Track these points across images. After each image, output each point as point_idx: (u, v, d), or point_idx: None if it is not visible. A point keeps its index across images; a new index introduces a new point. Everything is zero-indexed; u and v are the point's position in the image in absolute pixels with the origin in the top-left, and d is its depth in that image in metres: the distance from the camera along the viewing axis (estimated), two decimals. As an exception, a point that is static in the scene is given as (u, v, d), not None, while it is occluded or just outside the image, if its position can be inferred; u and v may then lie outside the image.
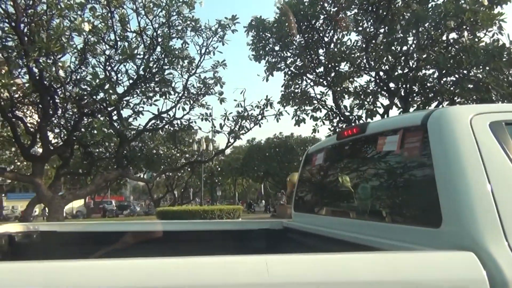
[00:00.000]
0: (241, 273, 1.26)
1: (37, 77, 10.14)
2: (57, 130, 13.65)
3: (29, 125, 12.40)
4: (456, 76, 10.67)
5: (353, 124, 11.86)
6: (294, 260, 1.34)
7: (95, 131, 9.56)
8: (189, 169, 34.94)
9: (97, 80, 9.58)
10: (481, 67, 10.27)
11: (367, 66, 12.25)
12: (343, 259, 1.37)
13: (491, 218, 1.47)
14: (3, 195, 36.97)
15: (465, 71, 10.37)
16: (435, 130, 1.70)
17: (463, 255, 1.41)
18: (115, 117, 11.44)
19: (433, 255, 1.44)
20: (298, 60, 13.80)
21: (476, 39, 10.45)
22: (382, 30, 12.06)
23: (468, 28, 10.54)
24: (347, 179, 2.45)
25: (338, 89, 13.04)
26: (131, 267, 1.25)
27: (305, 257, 1.36)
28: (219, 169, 41.16)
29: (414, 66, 11.83)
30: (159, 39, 11.48)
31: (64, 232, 2.89)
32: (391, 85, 12.45)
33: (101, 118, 10.27)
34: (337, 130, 11.24)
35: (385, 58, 12.31)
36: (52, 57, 9.41)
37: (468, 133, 1.62)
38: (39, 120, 11.68)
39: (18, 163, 24.92)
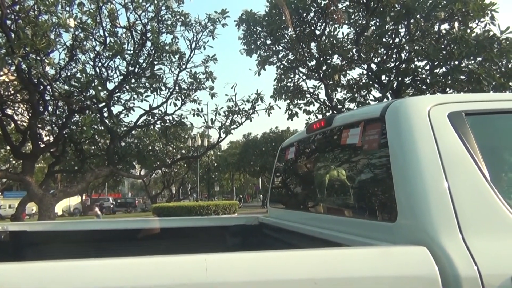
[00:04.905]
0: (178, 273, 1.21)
1: (26, 74, 10.04)
2: (48, 128, 13.55)
3: (19, 123, 12.30)
4: (448, 67, 10.60)
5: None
6: (232, 258, 1.29)
7: (85, 128, 9.47)
8: (185, 165, 34.87)
9: (84, 76, 9.48)
10: (472, 58, 10.21)
11: (358, 58, 12.17)
12: (289, 257, 1.32)
13: (447, 212, 1.43)
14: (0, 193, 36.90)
15: (456, 62, 10.30)
16: (393, 122, 1.64)
17: (415, 250, 1.37)
18: (105, 114, 11.35)
19: (383, 250, 1.39)
20: (290, 53, 13.72)
21: (468, 30, 10.37)
22: (373, 22, 11.97)
23: (459, 18, 10.47)
24: (317, 173, 2.41)
25: (331, 82, 12.96)
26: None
27: (245, 255, 1.31)
28: (215, 164, 41.12)
29: (405, 58, 11.75)
30: (149, 34, 11.37)
31: (34, 232, 2.82)
32: (383, 77, 12.38)
33: (91, 115, 10.17)
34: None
35: (376, 51, 12.23)
36: (39, 54, 9.30)
37: (425, 124, 1.57)
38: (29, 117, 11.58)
39: (14, 162, 24.71)
